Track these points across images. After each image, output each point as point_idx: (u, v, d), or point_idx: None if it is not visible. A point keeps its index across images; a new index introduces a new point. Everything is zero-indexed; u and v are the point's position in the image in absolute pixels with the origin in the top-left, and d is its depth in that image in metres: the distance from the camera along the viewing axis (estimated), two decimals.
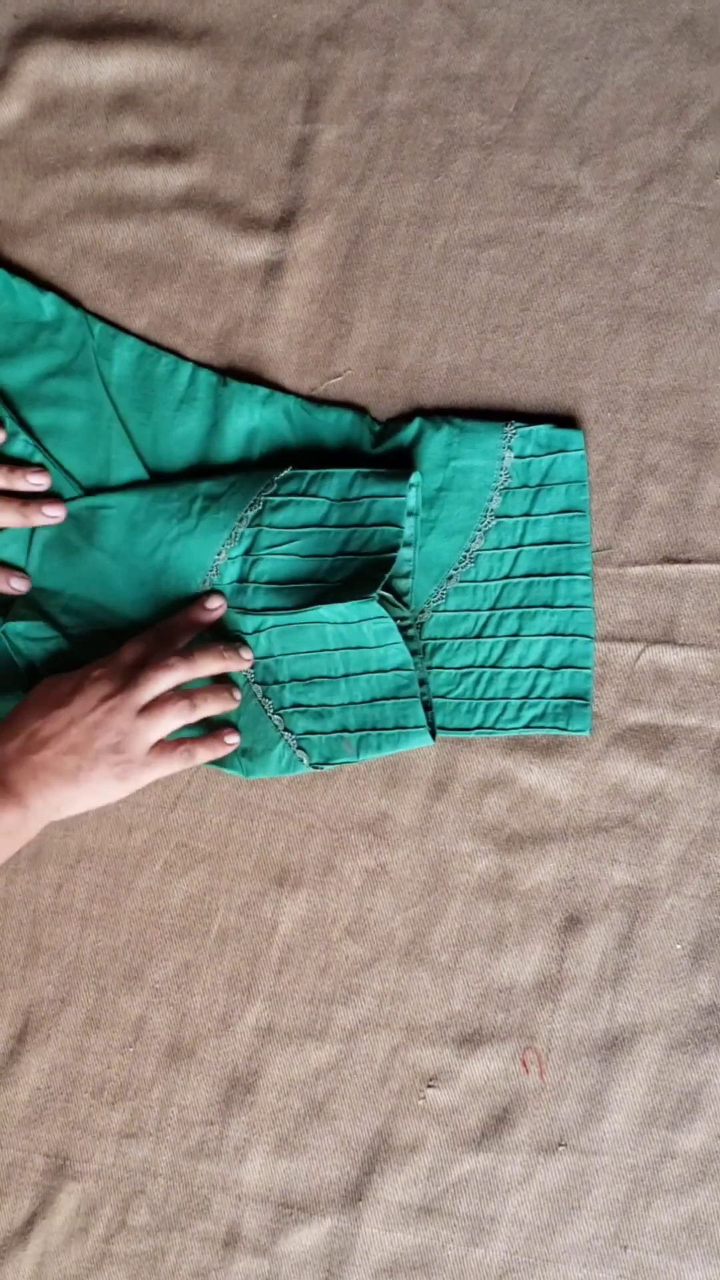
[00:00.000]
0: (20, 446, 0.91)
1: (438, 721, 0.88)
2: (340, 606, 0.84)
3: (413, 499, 0.87)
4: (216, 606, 0.86)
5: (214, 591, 0.87)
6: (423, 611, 0.88)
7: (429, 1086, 0.87)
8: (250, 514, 0.87)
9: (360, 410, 0.90)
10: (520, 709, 0.87)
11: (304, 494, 0.87)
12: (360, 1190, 0.87)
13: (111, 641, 0.88)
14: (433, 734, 0.87)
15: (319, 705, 0.87)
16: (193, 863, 0.90)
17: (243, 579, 0.87)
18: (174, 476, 0.90)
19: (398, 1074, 0.87)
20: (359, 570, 0.85)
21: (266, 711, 0.87)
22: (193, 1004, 0.89)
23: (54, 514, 0.89)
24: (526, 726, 0.87)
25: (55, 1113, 0.89)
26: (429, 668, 0.88)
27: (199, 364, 0.91)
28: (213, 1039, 0.88)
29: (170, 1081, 0.88)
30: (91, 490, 0.91)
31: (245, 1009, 0.88)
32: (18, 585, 0.89)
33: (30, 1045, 0.89)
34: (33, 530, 0.90)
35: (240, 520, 0.87)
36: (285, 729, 0.87)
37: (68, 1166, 0.89)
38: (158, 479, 0.90)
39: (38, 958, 0.90)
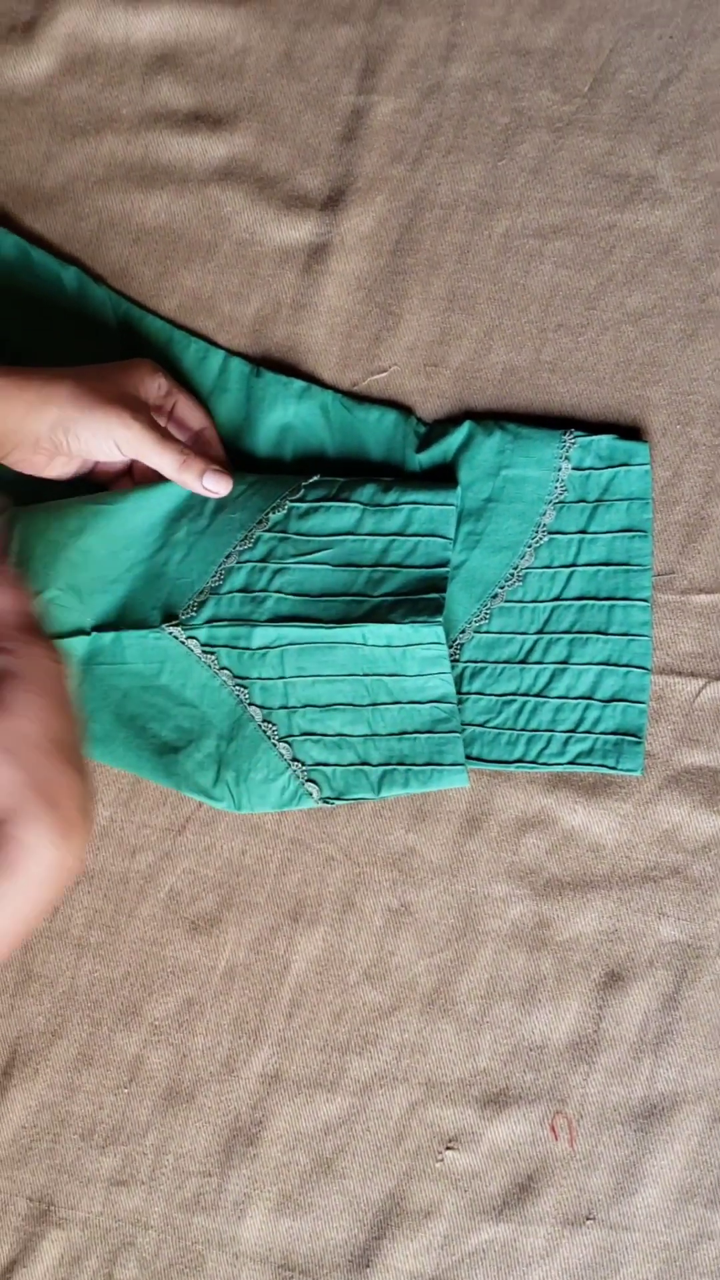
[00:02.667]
0: None
1: (473, 752, 0.86)
2: (390, 628, 0.82)
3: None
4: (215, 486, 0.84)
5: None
6: (463, 632, 0.87)
7: (448, 1148, 0.86)
8: (272, 517, 0.85)
9: (405, 410, 0.90)
10: (566, 743, 0.86)
11: (334, 499, 0.85)
12: (368, 1255, 0.86)
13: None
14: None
15: (336, 735, 0.85)
16: (201, 892, 0.88)
17: (250, 588, 0.84)
18: None
19: (414, 1133, 0.86)
20: (405, 586, 0.84)
21: (269, 738, 0.85)
22: (194, 1045, 0.87)
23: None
24: (572, 763, 0.86)
25: (41, 1154, 0.88)
26: (466, 693, 0.87)
27: (231, 352, 0.90)
28: (214, 1084, 0.87)
29: (167, 1127, 0.87)
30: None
31: (251, 1053, 0.87)
32: (212, 486, 0.84)
33: (17, 1080, 0.88)
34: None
35: (259, 523, 0.85)
36: (294, 758, 0.85)
37: (52, 1212, 0.87)
38: None
39: (29, 986, 0.89)
